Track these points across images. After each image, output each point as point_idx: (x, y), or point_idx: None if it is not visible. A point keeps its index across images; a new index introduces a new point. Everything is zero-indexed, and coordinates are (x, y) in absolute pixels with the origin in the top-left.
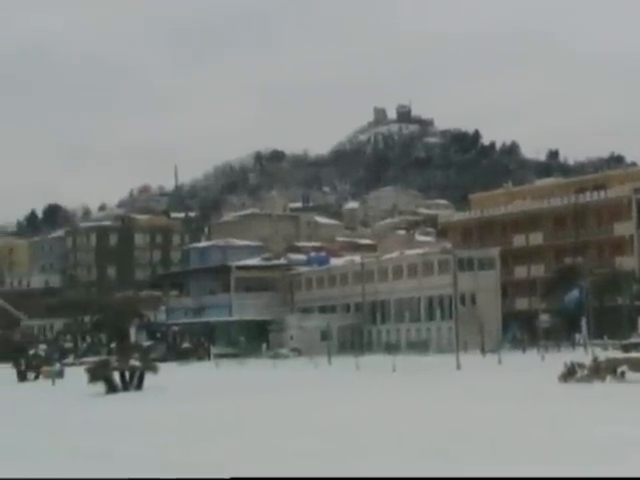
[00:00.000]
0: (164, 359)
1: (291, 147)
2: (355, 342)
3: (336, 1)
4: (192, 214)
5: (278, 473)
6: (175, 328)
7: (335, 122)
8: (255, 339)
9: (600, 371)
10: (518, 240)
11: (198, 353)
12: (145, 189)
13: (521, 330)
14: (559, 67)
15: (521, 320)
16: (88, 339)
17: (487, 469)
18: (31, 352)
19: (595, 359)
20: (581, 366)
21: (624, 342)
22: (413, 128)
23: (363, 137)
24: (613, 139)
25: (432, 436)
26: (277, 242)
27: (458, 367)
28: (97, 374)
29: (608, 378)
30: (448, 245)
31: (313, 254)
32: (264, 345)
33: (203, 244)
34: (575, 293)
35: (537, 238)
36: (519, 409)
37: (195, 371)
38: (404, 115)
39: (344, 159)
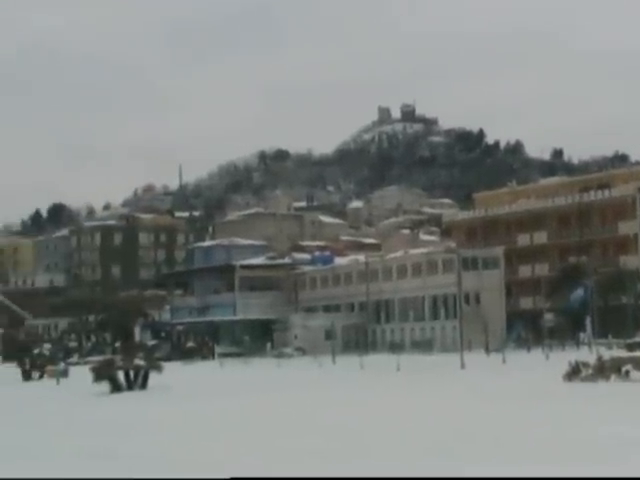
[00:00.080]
0: (168, 358)
1: (295, 146)
2: (359, 341)
3: (340, 1)
4: (196, 213)
5: (282, 473)
6: (179, 327)
7: (339, 121)
8: (259, 338)
9: (605, 370)
10: (522, 239)
11: (202, 352)
12: (149, 188)
13: (525, 329)
14: (563, 66)
15: (525, 319)
16: (93, 338)
17: (490, 469)
18: (36, 351)
19: (599, 358)
20: (585, 365)
21: (629, 341)
22: (417, 127)
23: (367, 136)
24: (617, 138)
25: (436, 435)
26: (281, 241)
27: (462, 366)
28: (102, 373)
29: (613, 377)
30: (452, 244)
31: (317, 253)
32: (268, 344)
33: (207, 243)
34: (580, 292)
35: (541, 237)
36: (523, 408)
37: (199, 370)
38: (408, 114)
39: (348, 158)
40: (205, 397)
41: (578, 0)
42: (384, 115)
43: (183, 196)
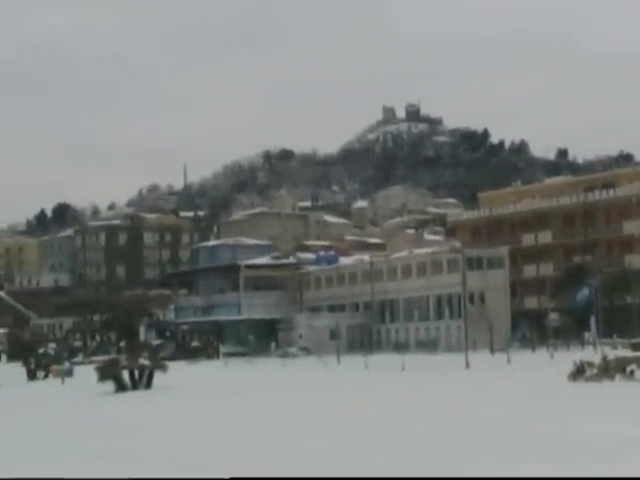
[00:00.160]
0: (173, 358)
1: (300, 146)
2: (364, 341)
3: (345, 1)
4: (201, 213)
5: (285, 472)
6: (184, 327)
7: (344, 121)
8: (264, 338)
9: (609, 370)
10: (527, 239)
11: (207, 352)
12: (154, 188)
13: (530, 329)
14: (568, 66)
15: (530, 319)
16: (97, 338)
17: (493, 469)
18: (41, 351)
19: (604, 358)
20: (590, 365)
21: (633, 341)
22: (422, 127)
23: (372, 136)
24: (622, 138)
25: (441, 435)
26: (286, 241)
27: (467, 366)
28: (106, 373)
29: (617, 377)
30: (457, 244)
31: (322, 253)
32: (273, 344)
33: (212, 243)
34: (585, 292)
35: (546, 237)
36: (528, 408)
37: (204, 370)
38: (413, 114)
39: (353, 158)
40: (210, 397)
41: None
42: (389, 115)
43: (188, 196)
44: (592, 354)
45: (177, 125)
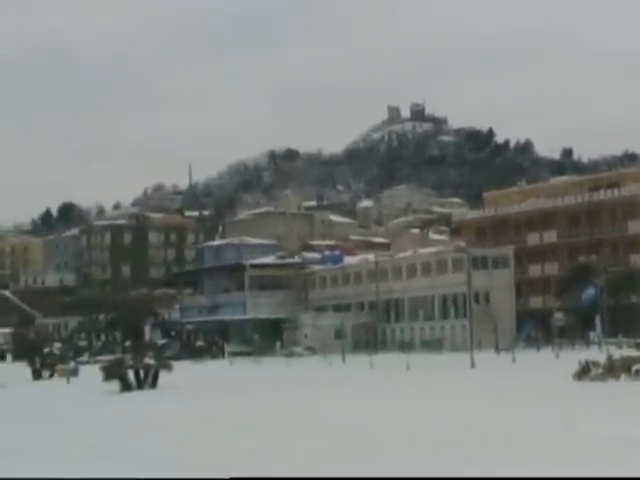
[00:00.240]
0: (178, 357)
1: (305, 146)
2: (369, 340)
3: (350, 0)
4: (206, 213)
5: (288, 472)
6: (189, 326)
7: (349, 121)
8: (269, 337)
9: (615, 369)
10: (532, 238)
11: (212, 351)
12: (159, 188)
13: (535, 328)
14: (573, 65)
15: (535, 318)
16: (103, 337)
17: (499, 469)
18: (46, 350)
19: (610, 357)
20: (595, 364)
21: (639, 340)
22: (427, 126)
23: (377, 135)
24: (627, 137)
25: (445, 434)
26: (291, 240)
27: (472, 365)
28: (112, 372)
29: (623, 376)
30: (462, 243)
31: (327, 252)
32: (278, 343)
33: (217, 242)
34: (591, 291)
35: (551, 236)
36: (533, 408)
37: (209, 369)
38: (418, 113)
39: (358, 158)
40: (215, 396)
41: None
42: (393, 114)
43: (193, 195)
44: (597, 354)
45: (182, 125)
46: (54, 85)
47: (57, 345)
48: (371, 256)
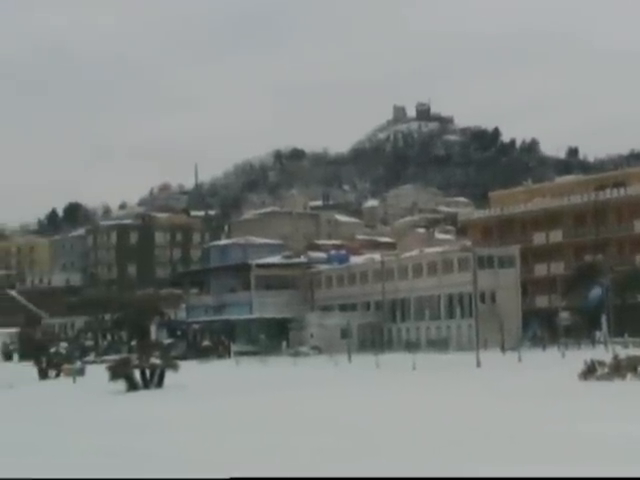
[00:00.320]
0: (184, 357)
1: (311, 145)
2: (375, 340)
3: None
4: (212, 212)
5: (293, 472)
6: (195, 326)
7: (355, 120)
8: (275, 337)
9: (621, 369)
10: (538, 238)
11: (218, 351)
12: (165, 187)
13: (541, 328)
14: (578, 65)
15: (541, 318)
16: (109, 337)
17: (504, 468)
18: (52, 350)
19: (616, 357)
20: (601, 364)
21: None
22: (433, 126)
23: (382, 135)
24: (633, 136)
25: (451, 434)
26: (297, 240)
27: (478, 365)
28: (118, 372)
29: (629, 376)
30: (468, 243)
31: (333, 252)
32: (284, 343)
33: (223, 242)
34: (598, 291)
35: (557, 236)
36: (539, 407)
37: (215, 369)
38: (423, 113)
39: (364, 157)
40: (221, 396)
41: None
42: (399, 114)
43: (199, 195)
44: (603, 353)
45: (188, 125)
46: (59, 85)
47: (63, 345)
48: (377, 256)
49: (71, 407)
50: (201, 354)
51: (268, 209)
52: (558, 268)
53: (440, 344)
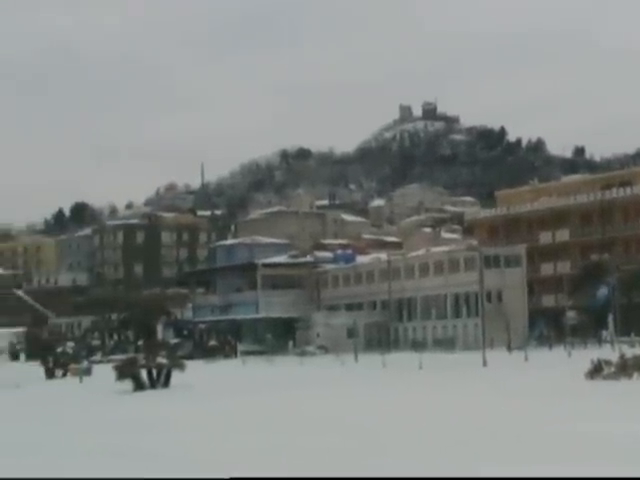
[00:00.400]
0: (191, 357)
1: (317, 145)
2: (382, 339)
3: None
4: (218, 212)
5: (297, 471)
6: (202, 326)
7: (361, 120)
8: (282, 336)
9: (627, 368)
10: (544, 237)
11: (225, 351)
12: (172, 187)
13: (547, 327)
14: (584, 64)
15: (547, 317)
16: (115, 337)
17: (511, 468)
18: (59, 350)
19: (622, 356)
20: (608, 363)
21: None
22: (439, 125)
23: (389, 134)
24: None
25: (457, 434)
26: (303, 240)
27: (484, 364)
28: (125, 372)
29: (635, 375)
30: (474, 242)
31: (339, 252)
32: (291, 342)
33: (230, 242)
34: (604, 290)
35: (563, 235)
36: (545, 406)
37: (222, 369)
38: (430, 112)
39: (370, 157)
40: (227, 395)
41: None
42: (405, 113)
43: (205, 195)
44: (610, 352)
45: (194, 124)
46: (66, 85)
47: (70, 344)
48: (383, 255)
49: (78, 407)
50: (207, 354)
51: (274, 209)
52: (564, 267)
53: (446, 343)
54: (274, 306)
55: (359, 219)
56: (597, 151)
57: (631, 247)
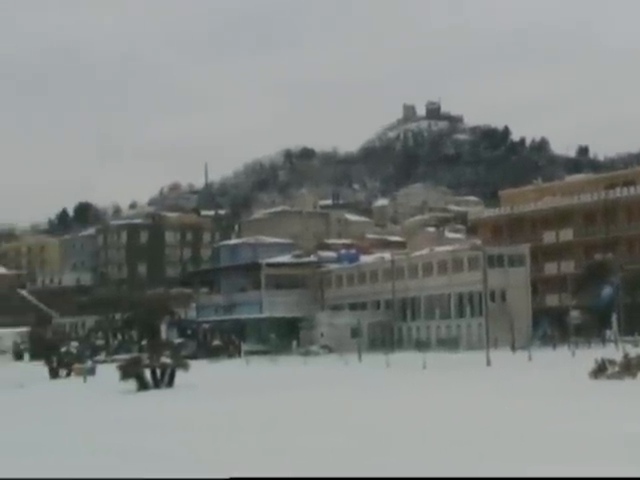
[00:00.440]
0: (195, 356)
1: (321, 145)
2: (385, 339)
3: None
4: (222, 212)
5: (300, 471)
6: (206, 325)
7: (364, 119)
8: (286, 336)
9: (631, 368)
10: (548, 236)
11: (229, 350)
12: (175, 187)
13: (551, 327)
14: (589, 63)
15: (551, 316)
16: (119, 336)
17: (514, 468)
18: (63, 349)
19: (626, 356)
20: (612, 363)
21: None
22: (442, 125)
23: (392, 134)
24: None
25: (461, 433)
26: (307, 239)
27: (488, 364)
28: (128, 371)
29: (639, 375)
30: (478, 242)
31: (343, 251)
32: (295, 342)
33: (233, 242)
34: (608, 289)
35: (567, 234)
36: (549, 406)
37: (226, 368)
38: (433, 112)
39: (373, 156)
40: (231, 395)
41: None
42: (409, 113)
43: (209, 194)
44: (613, 352)
45: (198, 124)
46: (69, 85)
47: (74, 344)
48: (387, 255)
49: (82, 406)
50: (211, 353)
51: (278, 208)
52: (568, 267)
53: (450, 343)
54: (278, 306)
55: (363, 219)
56: (601, 150)
57: (635, 247)
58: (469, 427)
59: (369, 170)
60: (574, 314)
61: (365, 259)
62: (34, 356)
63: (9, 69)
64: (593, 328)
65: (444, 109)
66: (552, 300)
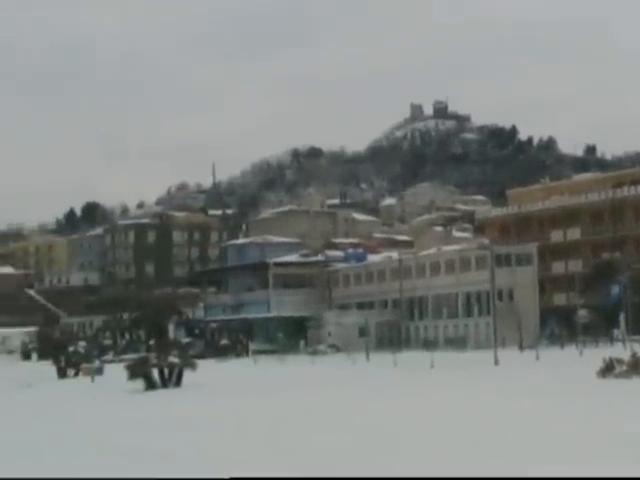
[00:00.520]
0: (202, 356)
1: (328, 144)
2: (393, 338)
3: None
4: (230, 211)
5: (309, 471)
6: (213, 325)
7: (372, 119)
8: (293, 335)
9: (639, 367)
10: (556, 235)
11: (236, 350)
12: (183, 187)
13: (559, 326)
14: (597, 61)
15: (559, 316)
16: (127, 336)
17: (522, 467)
18: (71, 349)
19: (634, 355)
20: (620, 362)
21: None
22: (450, 124)
23: (400, 133)
24: None
25: (469, 433)
26: (315, 239)
27: (496, 363)
28: (136, 371)
29: None
30: (485, 241)
31: (351, 250)
32: (302, 341)
33: (241, 241)
34: (616, 288)
35: (575, 233)
36: (557, 405)
37: (233, 368)
38: (441, 111)
39: (381, 155)
40: (239, 395)
41: None
42: (416, 112)
43: (216, 194)
44: (621, 351)
45: (205, 124)
46: (77, 85)
47: (82, 344)
48: (394, 254)
49: (89, 406)
50: (219, 353)
51: (285, 208)
52: (576, 266)
53: (458, 342)
54: (285, 305)
55: (370, 218)
56: (608, 149)
57: None
58: (477, 427)
59: (376, 169)
60: (582, 313)
61: (372, 258)
62: (42, 356)
63: (9, 69)
64: (601, 327)
65: (451, 108)
66: (560, 299)
